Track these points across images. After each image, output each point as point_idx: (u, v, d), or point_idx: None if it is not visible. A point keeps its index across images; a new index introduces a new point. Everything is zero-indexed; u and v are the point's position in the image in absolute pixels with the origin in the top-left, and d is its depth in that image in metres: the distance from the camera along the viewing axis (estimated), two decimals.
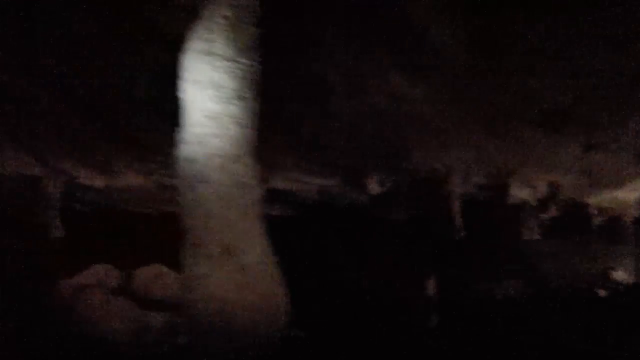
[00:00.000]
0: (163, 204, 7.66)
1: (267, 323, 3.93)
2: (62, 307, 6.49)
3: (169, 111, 5.65)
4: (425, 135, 7.20)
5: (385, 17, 4.81)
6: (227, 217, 3.77)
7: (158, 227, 7.43)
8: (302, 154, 7.46)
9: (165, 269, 6.89)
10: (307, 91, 6.01)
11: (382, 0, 4.45)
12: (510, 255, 9.40)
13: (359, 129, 6.97)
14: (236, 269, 3.80)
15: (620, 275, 10.18)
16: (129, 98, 6.35)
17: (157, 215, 7.71)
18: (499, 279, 9.11)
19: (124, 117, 6.84)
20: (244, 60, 3.84)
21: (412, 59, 5.38)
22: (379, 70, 5.60)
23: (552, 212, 9.73)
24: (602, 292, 9.03)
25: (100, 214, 7.53)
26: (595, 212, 10.65)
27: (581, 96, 5.93)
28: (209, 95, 3.78)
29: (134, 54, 5.32)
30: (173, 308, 6.65)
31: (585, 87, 5.73)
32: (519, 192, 9.04)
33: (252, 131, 3.93)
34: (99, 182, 7.61)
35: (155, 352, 6.05)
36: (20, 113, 6.71)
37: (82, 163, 7.55)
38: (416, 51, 5.27)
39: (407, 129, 7.02)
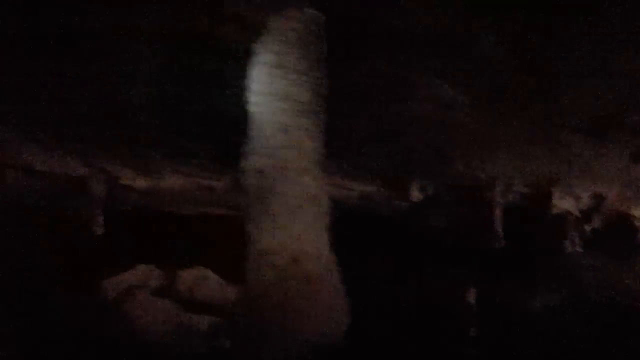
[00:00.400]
0: (204, 206, 7.69)
1: (329, 332, 3.93)
2: (105, 305, 6.52)
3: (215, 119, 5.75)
4: (468, 143, 7.15)
5: (430, 23, 4.76)
6: (295, 228, 3.77)
7: (199, 229, 7.45)
8: (345, 159, 7.43)
9: (209, 272, 6.90)
10: (351, 97, 5.98)
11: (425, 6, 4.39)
12: (550, 267, 9.28)
13: (403, 135, 6.94)
14: (302, 278, 3.81)
15: None
16: (173, 104, 6.34)
17: (198, 217, 7.73)
18: (538, 291, 9.01)
19: (167, 121, 6.82)
20: (315, 74, 3.82)
21: (457, 65, 5.34)
22: (424, 77, 5.56)
23: (596, 223, 9.56)
24: None
25: (143, 214, 7.56)
26: None
27: (629, 104, 5.79)
28: (281, 108, 3.77)
29: (189, 65, 5.32)
30: (217, 311, 6.65)
31: (634, 95, 5.61)
32: (562, 203, 8.93)
33: (321, 144, 3.93)
34: (141, 183, 7.67)
35: (198, 355, 5.98)
36: (68, 117, 6.81)
37: (125, 165, 7.63)
38: (461, 58, 5.23)
39: (451, 136, 6.98)
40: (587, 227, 9.68)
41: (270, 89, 3.78)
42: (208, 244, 7.64)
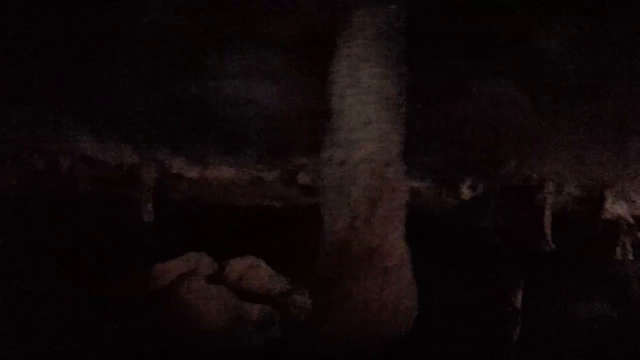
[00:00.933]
0: (253, 197, 7.71)
1: (400, 324, 3.93)
2: (157, 292, 6.56)
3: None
4: (522, 142, 7.08)
5: (488, 22, 4.72)
6: (374, 219, 3.76)
7: (249, 220, 7.47)
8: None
9: (260, 262, 6.92)
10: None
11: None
12: (599, 273, 9.13)
13: (457, 132, 6.90)
14: (379, 270, 3.81)
15: None
16: (226, 96, 6.36)
17: (247, 208, 7.75)
18: (586, 298, 8.87)
19: (220, 112, 6.93)
20: (398, 68, 3.82)
21: (514, 65, 5.29)
22: (480, 75, 5.51)
23: None
24: None
25: (192, 204, 7.60)
26: None
27: None
28: (366, 101, 3.77)
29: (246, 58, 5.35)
30: (268, 300, 6.67)
31: None
32: (615, 207, 8.79)
33: (404, 137, 3.93)
34: (192, 173, 7.71)
35: (249, 343, 6.00)
36: (122, 106, 6.95)
37: (177, 154, 7.67)
38: (518, 57, 5.17)
39: (504, 135, 6.92)
40: None
41: (356, 83, 3.76)
42: (257, 235, 7.64)
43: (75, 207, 7.81)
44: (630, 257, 9.32)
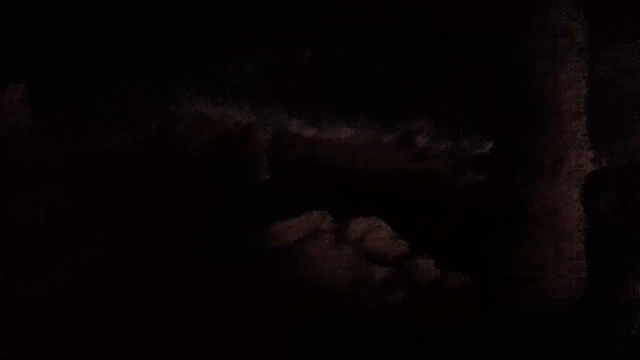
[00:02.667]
0: (371, 159, 7.55)
1: (570, 291, 3.74)
2: (282, 248, 6.52)
3: None
4: None
5: None
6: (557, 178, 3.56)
7: (367, 182, 7.31)
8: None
9: (382, 223, 6.79)
10: None
11: None
12: None
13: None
14: (553, 236, 3.63)
15: None
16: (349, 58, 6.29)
17: (365, 169, 7.60)
18: None
19: (340, 73, 7.00)
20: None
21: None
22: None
23: None
24: None
25: (309, 164, 7.50)
26: None
27: None
28: None
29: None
30: (389, 262, 6.54)
31: None
32: None
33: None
34: (309, 133, 7.61)
35: (374, 305, 5.89)
36: (241, 66, 7.04)
37: (295, 114, 7.59)
38: None
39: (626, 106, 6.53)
40: None
41: None
42: (375, 197, 7.51)
43: (189, 167, 7.81)
44: None
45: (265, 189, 7.67)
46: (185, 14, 6.55)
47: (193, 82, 7.41)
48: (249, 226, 6.86)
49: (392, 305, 5.89)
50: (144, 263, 6.49)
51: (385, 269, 6.14)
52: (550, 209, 3.89)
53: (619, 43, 5.56)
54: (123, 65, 7.36)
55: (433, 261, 6.42)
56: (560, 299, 3.90)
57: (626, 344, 5.21)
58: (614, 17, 5.22)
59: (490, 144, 7.60)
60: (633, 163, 7.64)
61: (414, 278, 6.18)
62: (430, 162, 7.79)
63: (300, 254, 6.25)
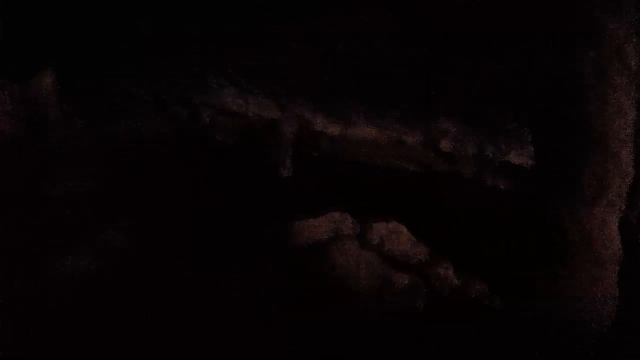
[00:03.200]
0: (394, 159, 7.52)
1: (605, 319, 3.75)
2: (304, 248, 6.51)
3: None
4: None
5: None
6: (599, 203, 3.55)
7: (389, 182, 7.29)
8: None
9: (402, 228, 6.77)
10: None
11: None
12: None
13: None
14: (587, 262, 3.62)
15: None
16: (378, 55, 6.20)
17: (387, 169, 7.58)
18: None
19: (369, 71, 6.72)
20: None
21: None
22: None
23: None
24: None
25: (332, 161, 7.48)
26: None
27: None
28: None
29: None
30: (408, 268, 6.54)
31: None
32: None
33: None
34: (333, 130, 7.59)
35: (395, 312, 5.92)
36: (271, 59, 6.82)
37: (320, 111, 7.58)
38: None
39: None
40: None
41: None
42: (396, 198, 7.49)
43: (213, 157, 7.81)
44: None
45: (287, 185, 7.65)
46: (219, 5, 6.49)
47: (221, 73, 7.40)
48: (269, 223, 6.83)
49: (412, 311, 5.85)
50: (161, 253, 6.48)
51: (409, 277, 6.08)
52: (587, 235, 3.86)
53: None
54: (155, 52, 7.34)
55: (453, 272, 6.39)
56: (592, 326, 3.88)
57: None
58: None
59: (523, 155, 7.57)
60: None
61: (434, 286, 6.16)
62: (455, 165, 7.75)
63: (323, 256, 6.22)
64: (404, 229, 6.98)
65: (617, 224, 3.82)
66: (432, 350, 5.98)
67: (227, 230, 7.03)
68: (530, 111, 6.02)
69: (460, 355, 5.77)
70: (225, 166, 7.77)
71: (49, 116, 6.27)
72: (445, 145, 7.85)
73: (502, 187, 7.34)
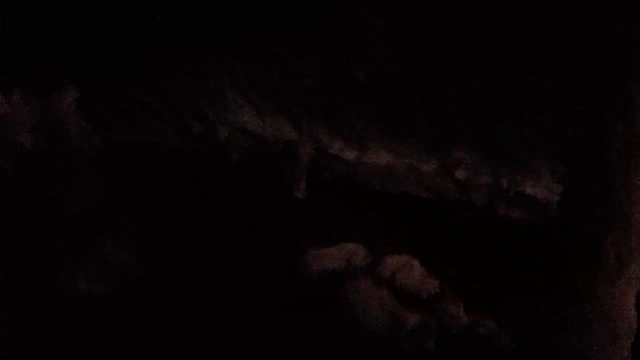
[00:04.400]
0: (407, 187, 7.55)
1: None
2: (309, 279, 6.55)
3: None
4: None
5: None
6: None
7: (401, 209, 7.33)
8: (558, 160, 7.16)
9: (414, 262, 6.81)
10: None
11: None
12: None
13: None
14: (607, 333, 3.69)
15: None
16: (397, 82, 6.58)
17: (400, 196, 7.61)
18: None
19: (388, 97, 7.07)
20: None
21: None
22: None
23: None
24: None
25: (345, 185, 7.52)
26: None
27: None
28: None
29: None
30: (419, 304, 6.58)
31: None
32: None
33: None
34: (349, 155, 7.63)
35: (405, 351, 5.96)
36: (285, 82, 6.80)
37: (336, 135, 7.60)
38: None
39: None
40: None
41: None
42: (408, 225, 7.53)
43: (228, 175, 7.83)
44: None
45: (301, 208, 7.68)
46: (242, 21, 6.52)
47: (240, 92, 7.42)
48: (283, 249, 6.89)
49: (423, 350, 5.93)
50: (170, 272, 6.53)
51: (419, 315, 6.13)
52: (603, 309, 3.91)
53: None
54: (175, 65, 7.34)
55: (463, 309, 6.43)
56: None
57: None
58: None
59: (538, 187, 7.60)
60: None
61: (444, 324, 6.22)
62: (468, 194, 7.79)
63: (336, 291, 6.28)
64: (416, 263, 7.02)
65: (634, 298, 3.87)
66: None
67: (238, 254, 7.05)
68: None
69: None
70: (239, 185, 7.78)
71: (70, 132, 6.25)
72: (459, 173, 7.88)
73: (514, 217, 7.38)
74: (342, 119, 7.45)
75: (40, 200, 6.21)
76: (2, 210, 5.98)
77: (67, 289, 5.88)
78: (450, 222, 7.49)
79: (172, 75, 7.13)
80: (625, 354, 4.00)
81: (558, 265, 4.87)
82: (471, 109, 7.48)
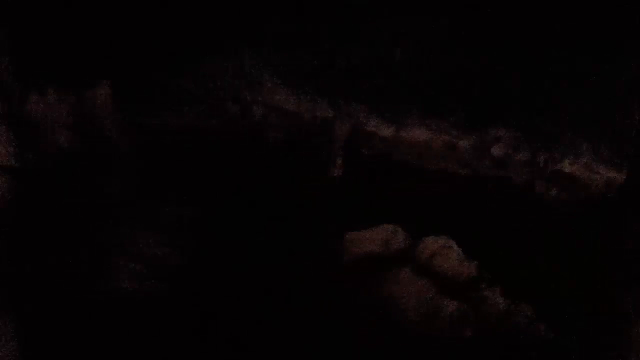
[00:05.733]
0: (444, 163, 7.56)
1: None
2: (349, 264, 6.66)
3: None
4: None
5: None
6: None
7: (438, 186, 7.35)
8: (602, 141, 7.11)
9: (452, 244, 6.89)
10: None
11: None
12: None
13: None
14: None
15: None
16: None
17: (436, 172, 7.61)
18: None
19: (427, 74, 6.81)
20: None
21: None
22: None
23: None
24: None
25: (382, 162, 7.51)
26: None
27: None
28: None
29: None
30: (458, 285, 6.73)
31: None
32: None
33: None
34: (386, 131, 7.58)
35: (442, 341, 6.35)
36: (329, 60, 6.74)
37: (373, 112, 7.54)
38: None
39: None
40: None
41: None
42: (444, 203, 7.56)
43: (264, 154, 7.79)
44: None
45: (338, 186, 7.70)
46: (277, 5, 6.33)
47: (275, 72, 7.31)
48: (322, 229, 6.98)
49: (460, 340, 6.12)
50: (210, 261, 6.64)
51: (457, 304, 6.29)
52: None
53: None
54: (211, 49, 7.19)
55: (501, 295, 6.56)
56: None
57: None
58: None
59: (576, 164, 7.57)
60: None
61: (481, 312, 6.37)
62: (505, 171, 7.79)
63: (377, 283, 6.41)
64: (454, 245, 7.08)
65: None
66: None
67: (274, 239, 7.11)
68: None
69: None
70: (275, 164, 7.74)
71: (105, 127, 6.18)
72: (496, 150, 7.82)
73: (552, 194, 7.41)
74: (379, 97, 7.34)
75: (79, 197, 6.19)
76: (41, 209, 5.98)
77: (109, 291, 5.95)
78: (489, 202, 7.48)
79: (209, 60, 6.95)
80: None
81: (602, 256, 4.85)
82: (510, 86, 7.33)
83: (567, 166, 7.51)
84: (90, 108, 6.17)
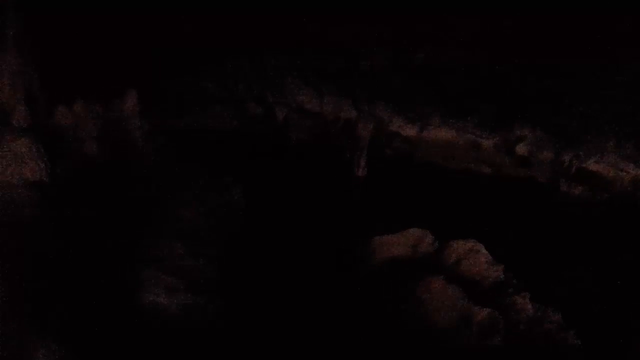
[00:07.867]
0: (468, 162, 7.59)
1: None
2: (375, 269, 6.72)
3: None
4: None
5: None
6: None
7: (461, 185, 7.38)
8: (628, 140, 7.09)
9: (480, 247, 6.90)
10: None
11: None
12: None
13: None
14: None
15: None
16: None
17: (460, 171, 7.64)
18: None
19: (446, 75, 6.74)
20: None
21: None
22: None
23: None
24: None
25: (406, 161, 7.54)
26: None
27: None
28: None
29: None
30: (485, 289, 6.78)
31: None
32: None
33: None
34: (410, 131, 7.64)
35: (473, 349, 6.20)
36: (353, 61, 6.80)
37: (397, 112, 7.61)
38: None
39: None
40: None
41: None
42: (468, 203, 7.56)
43: (286, 153, 7.84)
44: None
45: (363, 187, 7.74)
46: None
47: (298, 74, 7.41)
48: (348, 232, 7.05)
49: (490, 347, 6.17)
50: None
51: (488, 312, 6.31)
52: None
53: None
54: (234, 52, 7.26)
55: (529, 299, 6.60)
56: None
57: None
58: None
59: (601, 163, 7.55)
60: None
61: (510, 318, 6.42)
62: (530, 170, 7.81)
63: (408, 291, 6.48)
64: (482, 248, 7.07)
65: None
66: None
67: (301, 243, 7.14)
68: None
69: None
70: (299, 165, 7.78)
71: (132, 137, 6.23)
72: (521, 149, 7.83)
73: (577, 193, 7.41)
74: (402, 97, 7.39)
75: (108, 209, 6.26)
76: (71, 224, 6.08)
77: (145, 304, 6.05)
78: (515, 205, 7.48)
79: (232, 62, 7.01)
80: None
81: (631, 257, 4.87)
82: (535, 87, 7.34)
83: (592, 165, 7.48)
84: (117, 117, 6.18)
